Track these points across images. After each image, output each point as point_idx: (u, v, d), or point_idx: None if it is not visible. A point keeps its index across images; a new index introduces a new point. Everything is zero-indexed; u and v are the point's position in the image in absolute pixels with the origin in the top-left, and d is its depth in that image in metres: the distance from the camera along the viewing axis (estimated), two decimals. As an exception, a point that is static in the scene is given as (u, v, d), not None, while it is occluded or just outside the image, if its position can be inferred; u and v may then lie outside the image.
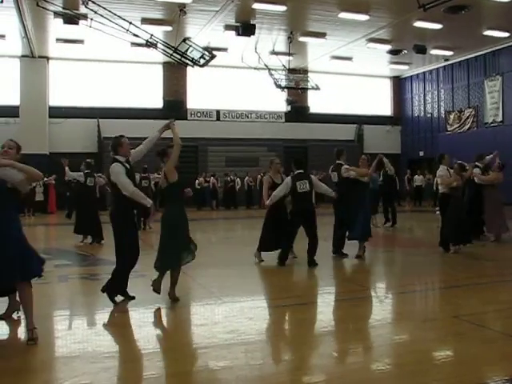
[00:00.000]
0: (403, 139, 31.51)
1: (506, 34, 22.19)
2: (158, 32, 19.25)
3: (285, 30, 21.48)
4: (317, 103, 29.14)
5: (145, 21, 19.05)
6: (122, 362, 4.37)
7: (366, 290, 7.14)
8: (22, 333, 5.01)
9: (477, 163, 11.54)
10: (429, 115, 29.96)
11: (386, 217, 15.10)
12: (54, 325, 5.48)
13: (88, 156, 15.71)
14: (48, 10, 16.21)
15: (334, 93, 29.18)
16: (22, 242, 4.62)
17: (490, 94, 25.60)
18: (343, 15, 19.38)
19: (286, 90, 24.37)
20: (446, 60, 27.17)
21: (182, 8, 18.06)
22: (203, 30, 20.92)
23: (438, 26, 20.31)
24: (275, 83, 23.07)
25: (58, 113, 25.30)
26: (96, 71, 26.12)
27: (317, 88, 23.85)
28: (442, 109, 29.04)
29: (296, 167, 8.73)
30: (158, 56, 21.97)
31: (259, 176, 25.10)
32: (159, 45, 17.94)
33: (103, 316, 5.72)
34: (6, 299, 5.23)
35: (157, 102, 27.08)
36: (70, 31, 19.56)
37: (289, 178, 8.71)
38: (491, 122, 25.48)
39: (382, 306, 6.33)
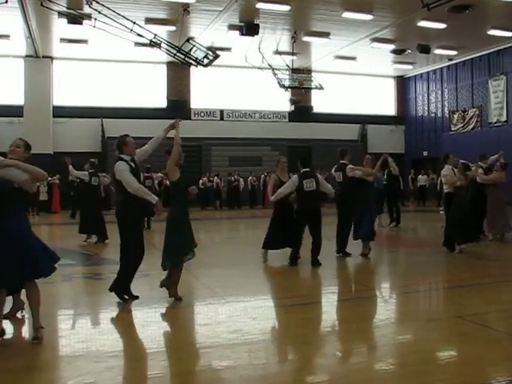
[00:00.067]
0: (407, 139, 31.41)
1: (511, 34, 22.05)
2: (162, 32, 19.28)
3: (288, 29, 21.45)
4: (320, 103, 29.07)
5: (149, 21, 19.06)
6: (125, 361, 4.38)
7: (370, 290, 7.14)
8: (26, 332, 5.04)
9: (480, 163, 11.52)
10: (433, 115, 29.85)
11: (391, 217, 15.09)
12: (58, 324, 5.50)
13: (92, 156, 15.69)
14: (52, 9, 16.23)
15: (338, 92, 29.09)
16: (31, 241, 4.62)
17: (494, 93, 25.51)
18: (347, 15, 19.33)
19: (289, 89, 24.35)
20: (450, 60, 27.06)
21: (186, 8, 18.07)
22: (207, 30, 20.92)
23: (441, 26, 20.22)
24: (279, 83, 23.07)
25: (62, 112, 25.29)
26: (100, 71, 26.13)
27: (320, 88, 23.84)
28: (445, 108, 28.93)
29: (302, 165, 8.72)
30: (161, 56, 21.98)
31: (263, 176, 25.15)
32: (163, 44, 17.94)
33: (107, 315, 5.74)
34: (10, 298, 5.23)
35: (160, 101, 27.08)
36: (74, 31, 19.58)
37: (295, 176, 8.68)
38: (495, 122, 25.38)
39: (385, 306, 6.33)
